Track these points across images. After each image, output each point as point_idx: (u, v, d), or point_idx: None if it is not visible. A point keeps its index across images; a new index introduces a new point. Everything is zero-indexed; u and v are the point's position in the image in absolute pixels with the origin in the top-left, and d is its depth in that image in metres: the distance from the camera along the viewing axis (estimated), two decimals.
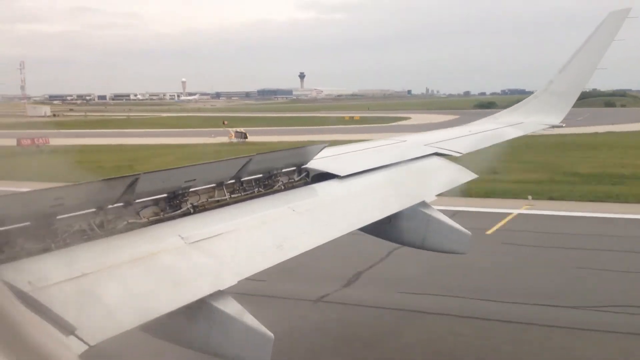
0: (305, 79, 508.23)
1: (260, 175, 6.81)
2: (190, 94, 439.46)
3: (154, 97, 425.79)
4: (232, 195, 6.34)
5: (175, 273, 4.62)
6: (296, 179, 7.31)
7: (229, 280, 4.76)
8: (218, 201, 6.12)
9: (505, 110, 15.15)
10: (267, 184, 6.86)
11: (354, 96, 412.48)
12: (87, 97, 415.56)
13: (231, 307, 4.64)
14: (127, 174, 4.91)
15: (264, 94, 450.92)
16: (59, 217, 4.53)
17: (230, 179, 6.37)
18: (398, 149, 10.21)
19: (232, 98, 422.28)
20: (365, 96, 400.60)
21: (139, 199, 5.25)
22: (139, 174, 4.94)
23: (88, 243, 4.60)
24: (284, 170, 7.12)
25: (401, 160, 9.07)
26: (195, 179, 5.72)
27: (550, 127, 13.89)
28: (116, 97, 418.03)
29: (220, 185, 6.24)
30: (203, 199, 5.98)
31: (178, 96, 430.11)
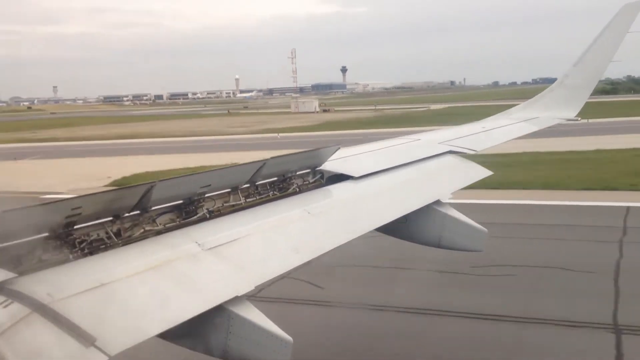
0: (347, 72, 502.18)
1: (275, 179, 6.83)
2: (242, 91, 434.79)
3: (211, 95, 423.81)
4: (247, 200, 6.36)
5: (192, 280, 4.64)
6: (311, 181, 7.33)
7: (246, 285, 4.77)
8: (233, 206, 6.15)
9: (519, 106, 15.01)
10: (282, 187, 6.87)
11: (400, 89, 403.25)
12: (144, 97, 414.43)
13: (249, 312, 4.64)
14: (142, 182, 4.96)
15: (318, 88, 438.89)
16: (76, 227, 4.57)
17: (245, 183, 6.39)
18: (412, 148, 10.19)
19: (286, 94, 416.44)
20: (413, 89, 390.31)
21: (154, 206, 5.29)
22: (154, 182, 4.98)
23: (106, 252, 4.64)
24: (298, 172, 7.13)
25: (415, 159, 9.06)
26: (210, 185, 5.75)
27: (566, 121, 13.78)
28: (173, 96, 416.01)
29: (235, 189, 6.26)
30: (218, 204, 6.01)
31: (234, 94, 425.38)
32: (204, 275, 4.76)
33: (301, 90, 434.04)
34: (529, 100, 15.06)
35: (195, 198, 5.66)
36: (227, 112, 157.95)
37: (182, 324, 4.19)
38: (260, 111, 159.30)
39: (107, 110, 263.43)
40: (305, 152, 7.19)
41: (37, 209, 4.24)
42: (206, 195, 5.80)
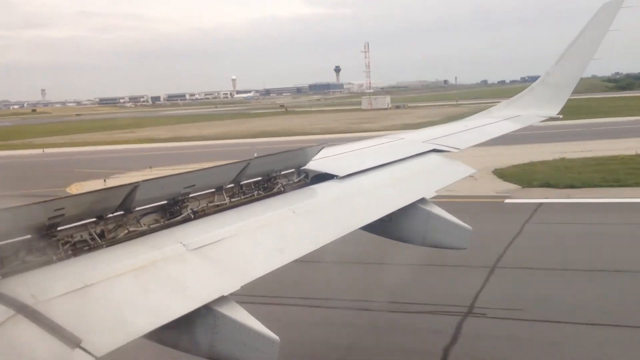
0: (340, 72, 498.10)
1: (260, 178, 6.82)
2: (239, 92, 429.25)
3: (209, 96, 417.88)
4: (232, 200, 6.35)
5: (178, 280, 4.62)
6: (295, 180, 7.32)
7: (232, 285, 4.76)
8: (218, 206, 6.13)
9: (500, 104, 15.13)
10: (267, 186, 6.87)
11: (396, 88, 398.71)
12: (141, 99, 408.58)
13: (235, 312, 4.63)
14: (126, 183, 4.93)
15: (316, 88, 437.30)
16: (59, 228, 4.53)
17: (229, 183, 6.37)
18: (396, 146, 10.23)
19: (283, 94, 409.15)
20: (409, 88, 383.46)
21: (138, 206, 5.26)
22: (138, 182, 4.95)
23: (90, 253, 4.61)
24: (283, 172, 7.13)
25: (400, 158, 9.10)
26: (194, 185, 5.72)
27: (547, 119, 13.91)
28: (170, 97, 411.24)
29: (219, 189, 6.24)
30: (203, 204, 5.99)
31: (231, 94, 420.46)
32: (189, 276, 4.74)
33: (298, 91, 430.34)
34: (511, 98, 15.16)
35: (180, 198, 5.63)
36: (284, 110, 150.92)
37: (168, 324, 4.17)
38: (325, 109, 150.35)
39: (118, 112, 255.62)
40: (289, 151, 7.19)
41: (20, 210, 4.20)
42: (191, 195, 5.77)
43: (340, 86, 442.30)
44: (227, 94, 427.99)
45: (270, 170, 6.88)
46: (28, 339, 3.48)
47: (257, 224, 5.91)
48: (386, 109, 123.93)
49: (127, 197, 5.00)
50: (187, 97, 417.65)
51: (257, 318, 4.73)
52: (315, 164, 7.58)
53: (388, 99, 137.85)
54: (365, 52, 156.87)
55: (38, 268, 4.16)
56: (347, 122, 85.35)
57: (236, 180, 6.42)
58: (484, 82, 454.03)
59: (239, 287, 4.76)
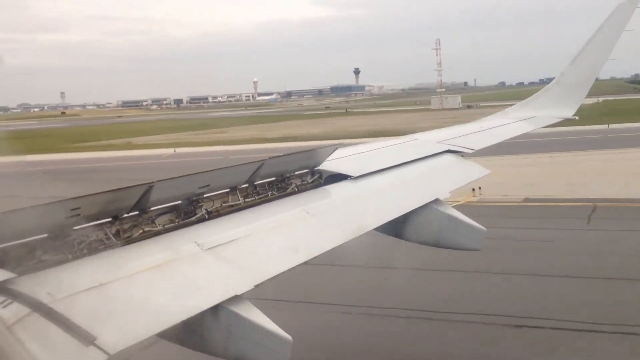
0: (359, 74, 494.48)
1: (274, 179, 6.83)
2: (261, 94, 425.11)
3: (231, 99, 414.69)
4: (246, 200, 6.36)
5: (192, 279, 4.65)
6: (309, 181, 7.33)
7: (245, 284, 4.78)
8: (232, 206, 6.15)
9: (516, 105, 15.04)
10: (281, 186, 6.88)
11: (417, 90, 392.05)
12: (164, 102, 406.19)
13: (249, 311, 4.65)
14: (143, 183, 4.96)
15: (337, 90, 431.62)
16: (75, 227, 4.57)
17: (243, 184, 6.39)
18: (410, 147, 10.20)
19: (305, 96, 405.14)
20: (429, 89, 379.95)
21: (153, 206, 5.29)
22: (153, 182, 4.98)
23: (105, 252, 4.64)
24: (297, 172, 7.13)
25: (414, 158, 9.07)
26: (209, 185, 5.75)
27: (563, 120, 13.81)
28: (193, 100, 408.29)
29: (234, 190, 6.26)
30: (217, 204, 6.01)
31: (253, 97, 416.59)
32: (203, 275, 4.76)
33: (320, 93, 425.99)
34: (526, 99, 15.07)
35: (194, 198, 5.66)
36: (344, 111, 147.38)
37: (182, 323, 4.20)
38: (388, 109, 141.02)
39: (150, 114, 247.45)
40: (303, 152, 7.19)
41: (37, 210, 4.24)
42: (205, 195, 5.80)
43: (362, 88, 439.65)
44: (249, 96, 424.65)
45: (284, 171, 6.89)
46: (44, 337, 3.52)
47: (271, 224, 5.93)
48: (458, 108, 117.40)
49: (142, 197, 5.03)
50: (210, 99, 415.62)
51: (270, 317, 4.75)
52: (329, 165, 7.58)
53: (459, 98, 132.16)
54: (437, 49, 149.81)
55: (54, 267, 4.20)
56: (441, 122, 76.74)
57: (250, 181, 6.43)
58: (502, 84, 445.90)
59: (252, 287, 4.78)
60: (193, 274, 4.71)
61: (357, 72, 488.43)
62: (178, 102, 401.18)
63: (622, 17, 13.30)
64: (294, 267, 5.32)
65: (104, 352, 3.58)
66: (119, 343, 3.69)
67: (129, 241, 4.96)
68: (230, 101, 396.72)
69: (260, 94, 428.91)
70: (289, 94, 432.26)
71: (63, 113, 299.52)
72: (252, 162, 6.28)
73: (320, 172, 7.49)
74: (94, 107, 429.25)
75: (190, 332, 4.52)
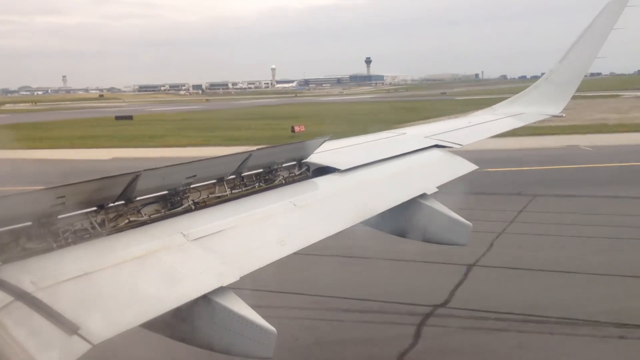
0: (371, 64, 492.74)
1: (261, 170, 6.82)
2: (279, 82, 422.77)
3: (251, 86, 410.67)
4: (233, 191, 6.35)
5: (177, 270, 4.64)
6: (297, 173, 7.32)
7: (231, 276, 4.77)
8: (219, 197, 6.14)
9: (504, 102, 15.10)
10: (268, 178, 6.87)
11: (430, 81, 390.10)
12: (182, 87, 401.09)
13: (234, 303, 4.65)
14: (130, 172, 4.92)
15: (357, 79, 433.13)
16: (60, 216, 4.54)
17: (230, 175, 6.38)
18: (398, 141, 10.22)
19: (323, 85, 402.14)
20: (444, 80, 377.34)
21: (139, 196, 5.26)
22: (140, 171, 4.95)
23: (90, 242, 4.61)
24: (284, 164, 7.13)
25: (401, 152, 9.09)
26: (195, 175, 5.72)
27: (550, 117, 13.89)
28: (212, 86, 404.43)
29: (221, 181, 6.25)
30: (204, 195, 5.99)
31: (272, 84, 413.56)
32: (188, 266, 4.75)
33: (339, 81, 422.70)
34: (515, 95, 15.14)
35: (181, 189, 5.63)
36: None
37: (166, 314, 4.18)
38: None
39: (191, 100, 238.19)
40: (291, 144, 7.19)
41: (22, 197, 4.21)
42: (192, 186, 5.78)
43: (381, 77, 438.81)
44: (267, 83, 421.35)
45: (271, 162, 6.88)
46: (26, 326, 3.49)
47: (258, 216, 5.92)
48: None
49: (128, 187, 5.00)
50: (230, 85, 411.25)
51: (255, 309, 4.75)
52: (317, 157, 7.58)
53: None
54: None
55: (38, 255, 4.16)
56: None
57: (237, 172, 6.42)
58: (503, 77, 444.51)
59: (238, 278, 4.77)
60: (178, 265, 4.70)
61: (368, 61, 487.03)
62: (197, 87, 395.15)
63: (611, 15, 13.37)
64: (280, 259, 5.32)
65: (88, 341, 3.56)
66: (103, 333, 3.68)
67: (115, 231, 4.94)
68: (250, 88, 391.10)
69: (279, 82, 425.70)
70: (306, 82, 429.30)
71: (101, 96, 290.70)
72: (240, 152, 6.27)
73: (308, 165, 7.48)
74: (98, 91, 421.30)
75: (175, 323, 4.51)
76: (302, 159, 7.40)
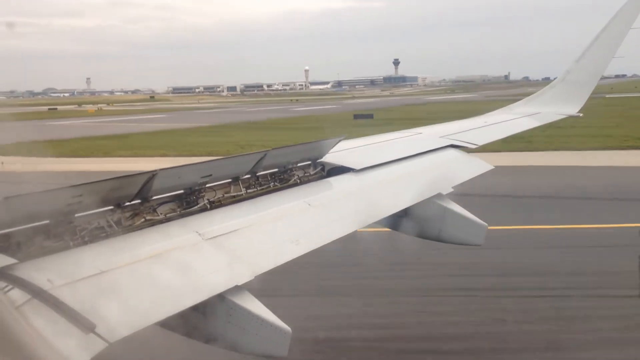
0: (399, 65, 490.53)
1: (276, 170, 6.82)
2: (313, 83, 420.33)
3: (286, 87, 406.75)
4: (248, 191, 6.36)
5: (193, 269, 4.65)
6: (312, 173, 7.32)
7: (246, 275, 4.79)
8: (234, 196, 6.15)
9: (521, 101, 15.01)
10: (283, 178, 6.87)
11: (462, 82, 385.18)
12: (217, 89, 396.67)
13: (249, 302, 4.66)
14: (146, 171, 4.95)
15: (391, 80, 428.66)
16: (77, 215, 4.57)
17: (246, 174, 6.38)
18: (414, 141, 10.18)
19: (357, 86, 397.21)
20: (475, 82, 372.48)
21: (155, 195, 5.29)
22: (156, 171, 4.97)
23: (106, 240, 4.64)
24: (299, 164, 7.12)
25: (417, 152, 9.05)
26: (211, 175, 5.74)
27: (567, 117, 13.77)
28: (247, 87, 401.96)
29: (236, 180, 6.26)
30: (219, 194, 6.00)
31: (305, 86, 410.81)
32: (204, 265, 4.77)
33: (372, 83, 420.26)
34: (531, 95, 15.03)
35: (196, 188, 5.65)
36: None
37: (182, 312, 4.19)
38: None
39: (245, 100, 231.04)
40: (306, 143, 7.18)
41: (39, 196, 4.24)
42: (207, 185, 5.79)
43: (415, 79, 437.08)
44: (302, 85, 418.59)
45: (287, 162, 6.88)
46: (43, 323, 3.52)
47: (273, 216, 5.93)
48: None
49: (145, 186, 5.02)
50: (265, 87, 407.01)
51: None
52: (332, 157, 7.57)
53: None
54: None
55: (55, 254, 4.19)
56: None
57: (252, 171, 6.42)
58: (526, 78, 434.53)
59: (252, 277, 4.78)
60: (194, 264, 4.71)
61: (396, 62, 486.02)
62: (232, 89, 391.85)
63: (629, 15, 13.22)
64: (294, 259, 5.32)
65: (104, 340, 3.58)
66: (119, 331, 3.70)
67: (131, 229, 4.96)
68: (285, 90, 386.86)
69: (313, 83, 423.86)
70: (339, 84, 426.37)
71: (152, 97, 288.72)
72: (255, 152, 6.27)
73: (323, 164, 7.47)
74: (122, 92, 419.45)
75: (190, 321, 4.52)
76: (317, 159, 7.39)
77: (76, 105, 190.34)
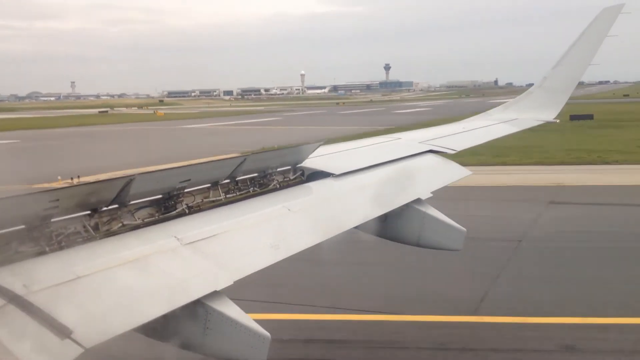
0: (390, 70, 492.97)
1: (256, 175, 6.81)
2: (310, 88, 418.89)
3: (283, 92, 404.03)
4: (228, 195, 6.34)
5: (171, 274, 4.62)
6: (291, 177, 7.31)
7: (224, 280, 4.76)
8: (213, 201, 6.12)
9: (498, 107, 15.17)
10: (263, 183, 6.86)
11: (453, 87, 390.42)
12: (214, 93, 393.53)
13: (227, 308, 4.64)
14: (122, 176, 4.90)
15: (386, 85, 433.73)
16: (53, 219, 4.52)
17: (225, 179, 6.36)
18: (393, 146, 10.23)
19: (352, 91, 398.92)
20: (467, 87, 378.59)
21: (133, 200, 5.24)
22: (134, 175, 4.93)
23: (83, 245, 4.59)
24: (279, 169, 7.12)
25: (396, 157, 9.10)
26: (190, 179, 5.71)
27: (544, 123, 13.94)
28: (244, 91, 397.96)
29: (215, 185, 6.23)
30: (198, 199, 5.98)
31: (302, 90, 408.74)
32: (182, 270, 4.74)
33: (368, 87, 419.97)
34: (509, 101, 15.21)
35: (175, 193, 5.62)
36: None
37: (159, 318, 4.16)
38: None
39: (256, 105, 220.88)
40: (286, 148, 7.18)
41: (15, 201, 4.19)
42: (186, 190, 5.76)
43: (410, 84, 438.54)
44: (298, 89, 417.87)
45: (266, 167, 6.87)
46: (19, 329, 3.47)
47: (252, 220, 5.91)
48: None
49: (122, 191, 4.98)
50: (263, 91, 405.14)
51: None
52: (312, 162, 7.58)
53: None
54: None
55: (31, 259, 4.14)
56: None
57: (232, 176, 6.40)
58: (509, 84, 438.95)
59: (231, 283, 4.77)
60: (172, 269, 4.68)
61: (387, 67, 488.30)
62: (227, 93, 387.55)
63: (605, 22, 13.43)
64: (273, 264, 5.31)
65: (80, 345, 3.54)
66: (95, 337, 3.66)
67: (108, 234, 4.92)
68: (283, 94, 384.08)
69: (309, 87, 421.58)
70: (335, 88, 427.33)
71: (161, 102, 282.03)
72: (235, 157, 6.26)
73: (303, 170, 7.48)
74: (109, 97, 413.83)
75: (168, 327, 4.49)
76: (297, 164, 7.40)
77: (135, 108, 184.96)
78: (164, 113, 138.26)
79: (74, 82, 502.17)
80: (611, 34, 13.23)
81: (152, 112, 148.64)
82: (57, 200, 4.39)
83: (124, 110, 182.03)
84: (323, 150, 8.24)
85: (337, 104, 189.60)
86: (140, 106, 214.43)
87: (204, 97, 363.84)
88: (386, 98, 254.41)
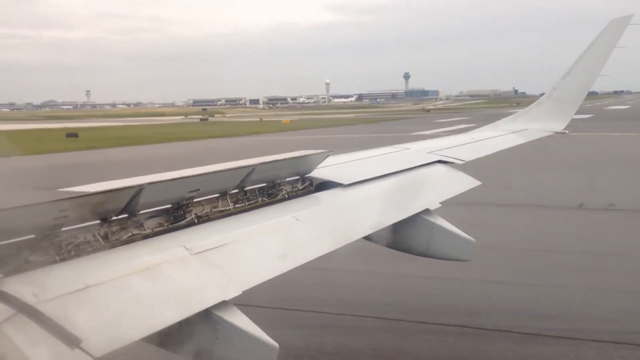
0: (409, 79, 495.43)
1: (264, 185, 6.83)
2: (336, 96, 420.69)
3: (310, 100, 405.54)
4: (236, 205, 6.35)
5: (180, 284, 4.63)
6: (300, 187, 7.33)
7: (233, 290, 4.77)
8: (222, 211, 6.14)
9: (507, 118, 15.16)
10: (271, 193, 6.87)
11: (475, 96, 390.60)
12: (240, 101, 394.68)
13: (236, 317, 4.64)
14: (132, 185, 4.93)
15: (412, 94, 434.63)
16: (63, 229, 4.54)
17: (233, 189, 6.38)
18: (402, 157, 10.23)
19: (377, 100, 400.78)
20: (489, 96, 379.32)
21: (143, 209, 5.27)
22: (143, 185, 4.96)
23: (92, 255, 4.61)
24: (287, 179, 7.13)
25: (405, 168, 9.10)
26: (199, 189, 5.73)
27: (554, 134, 13.92)
28: (271, 100, 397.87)
29: (224, 195, 6.25)
30: (207, 209, 5.99)
31: (328, 99, 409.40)
32: (191, 280, 4.75)
33: (393, 96, 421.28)
34: (518, 112, 15.19)
35: (184, 202, 5.64)
36: None
37: (168, 327, 4.17)
38: None
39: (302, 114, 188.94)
40: (294, 158, 7.19)
41: (25, 210, 4.21)
42: (195, 199, 5.78)
43: (436, 93, 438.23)
44: (324, 98, 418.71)
45: (274, 177, 6.88)
46: (28, 338, 3.49)
47: (260, 230, 5.93)
48: None
49: (132, 200, 5.00)
50: (289, 100, 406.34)
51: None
52: (320, 172, 7.59)
53: None
54: None
55: (40, 268, 4.16)
56: None
57: (240, 186, 6.42)
58: (522, 94, 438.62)
59: (240, 292, 4.77)
60: (181, 278, 4.69)
61: (407, 76, 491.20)
62: (254, 102, 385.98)
63: (614, 34, 13.44)
64: (282, 274, 5.32)
65: (89, 355, 3.55)
66: (104, 346, 3.67)
67: (117, 244, 4.94)
68: (309, 103, 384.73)
69: (335, 96, 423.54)
70: (360, 97, 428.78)
71: (204, 109, 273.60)
72: (243, 167, 6.27)
73: (311, 179, 7.49)
74: (124, 105, 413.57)
75: (176, 336, 4.49)
76: (306, 174, 7.41)
77: (183, 117, 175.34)
78: (290, 120, 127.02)
79: (89, 91, 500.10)
80: (620, 45, 13.23)
81: (277, 120, 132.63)
82: (67, 209, 4.42)
83: (219, 117, 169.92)
84: (331, 160, 8.25)
85: (428, 111, 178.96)
86: (186, 115, 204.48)
87: (229, 105, 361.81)
88: (431, 106, 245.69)
